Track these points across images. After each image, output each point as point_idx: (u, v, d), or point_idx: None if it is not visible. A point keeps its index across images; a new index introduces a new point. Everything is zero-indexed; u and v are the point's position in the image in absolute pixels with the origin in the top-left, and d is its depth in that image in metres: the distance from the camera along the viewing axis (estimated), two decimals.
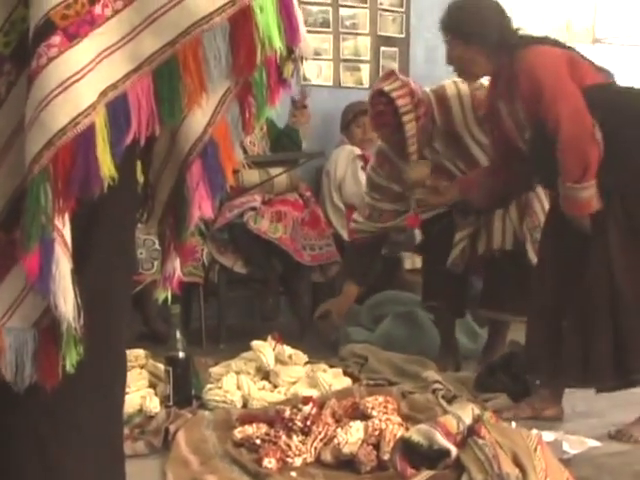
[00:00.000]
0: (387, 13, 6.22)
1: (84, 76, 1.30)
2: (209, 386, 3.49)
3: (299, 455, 2.75)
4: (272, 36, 1.37)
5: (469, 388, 3.61)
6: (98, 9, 1.32)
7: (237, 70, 1.38)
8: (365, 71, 6.17)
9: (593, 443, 2.91)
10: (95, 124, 1.30)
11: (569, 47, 3.36)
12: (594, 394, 3.30)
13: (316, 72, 6.01)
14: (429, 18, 6.37)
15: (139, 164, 1.58)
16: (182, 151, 1.50)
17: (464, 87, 3.93)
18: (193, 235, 5.10)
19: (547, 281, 3.27)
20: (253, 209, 4.89)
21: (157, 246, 4.66)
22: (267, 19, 1.37)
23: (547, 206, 3.63)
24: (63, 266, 1.33)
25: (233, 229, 4.86)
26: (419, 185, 3.91)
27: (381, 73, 5.73)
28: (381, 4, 6.19)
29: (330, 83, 6.06)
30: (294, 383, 3.58)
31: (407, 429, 2.76)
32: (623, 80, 6.68)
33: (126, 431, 3.02)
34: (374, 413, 3.00)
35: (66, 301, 1.34)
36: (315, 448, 2.80)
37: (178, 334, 3.38)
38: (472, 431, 2.50)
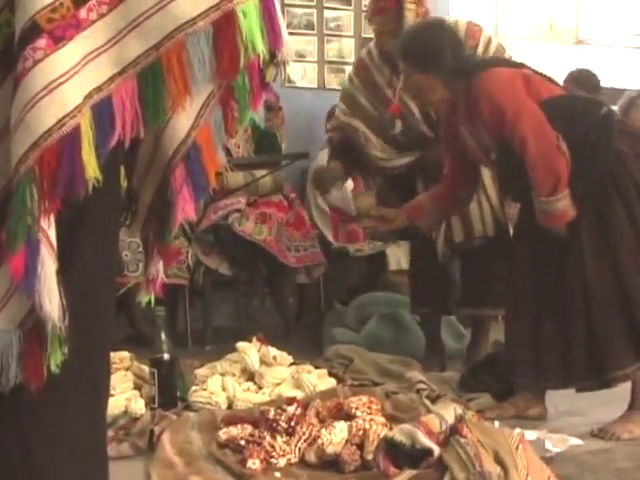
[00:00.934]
0: None
1: (70, 78, 1.31)
2: (194, 388, 3.50)
3: (283, 456, 2.76)
4: (255, 40, 1.39)
5: (453, 388, 3.64)
6: (83, 13, 1.34)
7: (221, 73, 1.40)
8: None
9: (575, 441, 2.94)
10: (80, 126, 1.32)
11: (521, 64, 3.42)
12: (577, 393, 3.34)
13: (300, 74, 6.02)
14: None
15: (122, 168, 1.60)
16: (166, 154, 1.52)
17: None
18: (177, 237, 5.10)
19: (523, 285, 3.31)
20: (238, 211, 4.90)
21: (141, 248, 4.67)
22: (250, 23, 1.39)
23: None
24: (48, 266, 1.35)
25: (218, 231, 4.87)
26: (365, 216, 3.93)
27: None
28: (365, 6, 6.18)
29: (315, 85, 6.08)
30: (279, 384, 3.59)
31: (391, 429, 2.77)
32: (607, 81, 6.74)
33: (111, 433, 3.02)
34: (358, 413, 3.01)
35: (51, 301, 1.35)
36: (299, 448, 2.81)
37: (163, 336, 3.38)
38: (454, 430, 2.51)
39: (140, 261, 4.63)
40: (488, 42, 3.97)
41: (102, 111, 1.34)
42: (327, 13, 6.10)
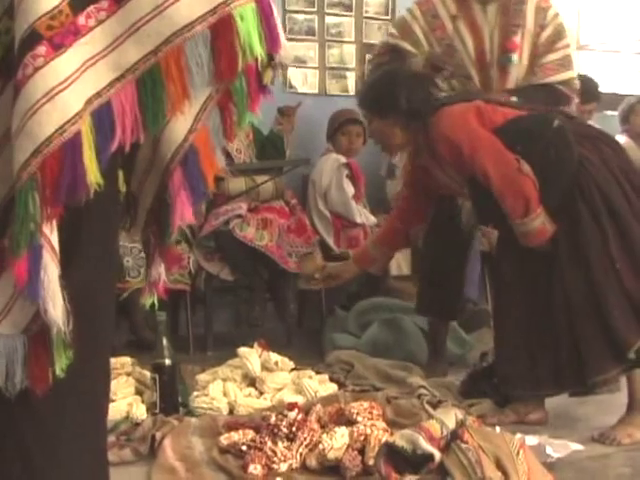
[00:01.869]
0: (372, 21, 6.25)
1: (70, 85, 1.33)
2: (196, 393, 3.50)
3: (284, 461, 2.77)
4: (253, 43, 1.40)
5: (454, 393, 3.64)
6: (82, 20, 1.35)
7: (219, 76, 1.41)
8: (351, 79, 6.19)
9: (576, 446, 2.94)
10: (81, 132, 1.33)
11: (476, 95, 3.50)
12: (578, 398, 3.35)
13: (302, 80, 6.03)
14: None
15: (121, 173, 1.61)
16: (164, 158, 1.53)
17: None
18: (179, 243, 5.11)
19: (509, 299, 3.36)
20: (239, 216, 4.90)
21: (143, 254, 4.68)
22: (248, 27, 1.40)
23: None
24: (51, 271, 1.36)
25: (219, 237, 4.87)
26: (312, 278, 3.94)
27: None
28: (366, 12, 6.23)
29: (316, 91, 6.08)
30: (280, 390, 3.60)
31: (392, 434, 2.77)
32: (607, 86, 6.74)
33: (112, 438, 3.02)
34: (359, 419, 3.02)
35: (55, 306, 1.36)
36: (300, 454, 2.82)
37: (165, 341, 3.38)
38: (455, 436, 2.51)
39: (141, 266, 4.63)
40: (556, 15, 4.14)
41: (102, 117, 1.35)
42: (328, 19, 6.10)
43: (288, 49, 1.49)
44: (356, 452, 2.76)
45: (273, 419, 2.98)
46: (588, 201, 3.15)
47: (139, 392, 3.53)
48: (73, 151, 1.32)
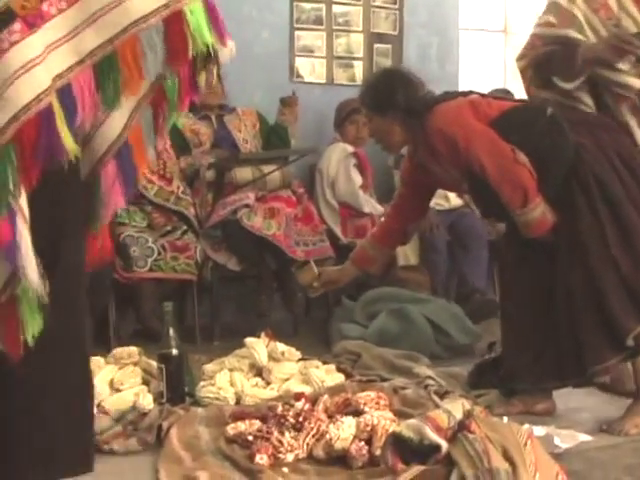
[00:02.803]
0: (380, 10, 6.24)
1: (42, 61, 1.46)
2: (202, 383, 3.50)
3: (291, 451, 2.76)
4: (203, 32, 1.57)
5: (461, 384, 3.63)
6: (45, 6, 1.50)
7: (172, 60, 1.59)
8: (358, 68, 6.18)
9: (584, 437, 2.93)
10: (52, 103, 1.49)
11: (469, 92, 3.46)
12: (586, 389, 3.34)
13: (309, 69, 6.02)
14: (422, 15, 6.41)
15: None
16: (99, 151, 1.70)
17: None
18: (186, 233, 5.14)
19: (515, 293, 3.37)
20: (246, 206, 4.90)
21: (150, 244, 4.68)
22: (197, 19, 1.57)
23: None
24: (25, 235, 1.49)
25: (226, 226, 4.87)
26: (310, 287, 3.94)
27: (374, 70, 5.75)
28: (374, 1, 6.21)
29: (323, 80, 6.07)
30: (287, 380, 3.59)
31: (399, 425, 2.77)
32: None
33: (119, 428, 3.04)
34: (366, 409, 3.01)
35: (31, 266, 1.51)
36: (307, 444, 2.81)
37: (172, 331, 3.38)
38: (462, 426, 2.50)
39: (148, 256, 4.64)
40: None
41: (65, 95, 1.51)
42: (336, 8, 6.09)
43: (233, 50, 1.69)
44: (363, 442, 2.75)
45: (280, 409, 2.98)
46: (584, 188, 3.14)
47: (146, 382, 3.53)
48: (48, 118, 1.46)
